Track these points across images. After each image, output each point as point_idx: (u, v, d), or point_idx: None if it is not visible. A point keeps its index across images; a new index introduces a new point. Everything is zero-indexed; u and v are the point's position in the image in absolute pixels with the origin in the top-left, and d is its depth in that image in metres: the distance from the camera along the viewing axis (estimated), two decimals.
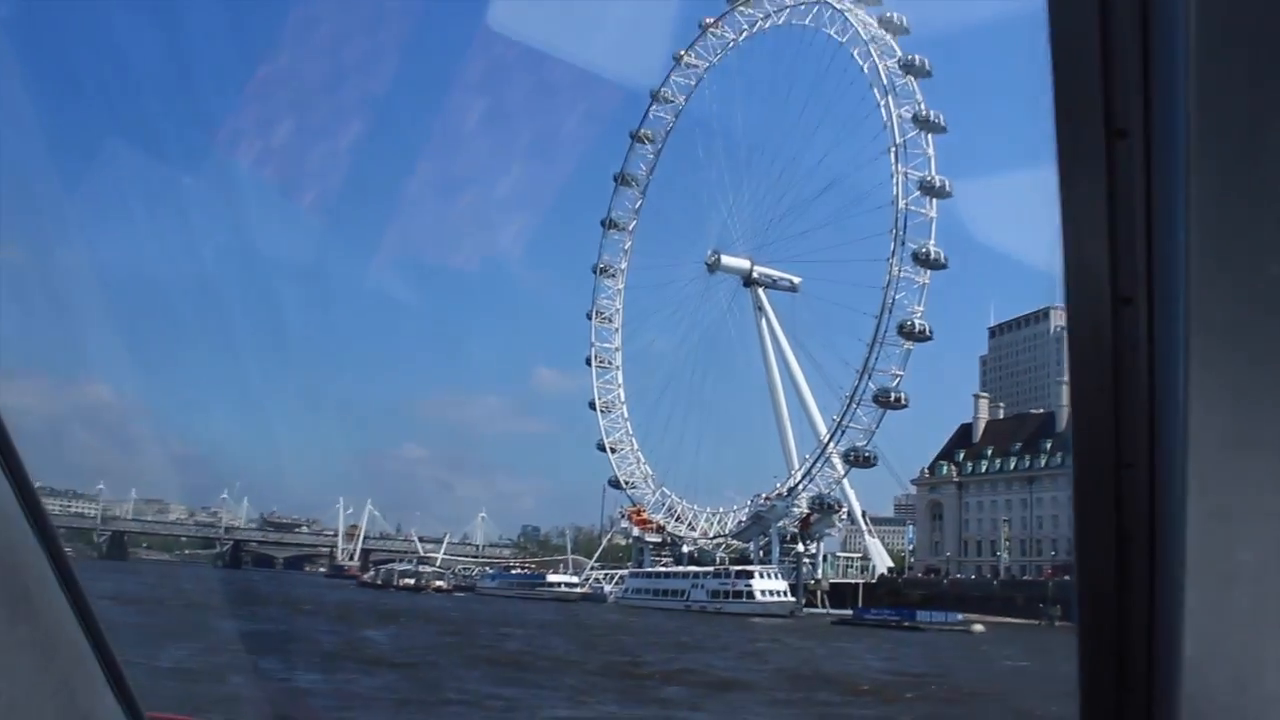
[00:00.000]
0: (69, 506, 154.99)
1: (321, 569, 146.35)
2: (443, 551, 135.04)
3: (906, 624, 75.12)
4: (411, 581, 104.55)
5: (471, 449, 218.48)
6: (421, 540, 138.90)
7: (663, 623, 67.83)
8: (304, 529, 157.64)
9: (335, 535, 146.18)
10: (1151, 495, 1.77)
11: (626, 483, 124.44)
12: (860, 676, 34.37)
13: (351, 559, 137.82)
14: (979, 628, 74.37)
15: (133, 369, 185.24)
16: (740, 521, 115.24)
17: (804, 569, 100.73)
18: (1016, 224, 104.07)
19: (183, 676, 19.24)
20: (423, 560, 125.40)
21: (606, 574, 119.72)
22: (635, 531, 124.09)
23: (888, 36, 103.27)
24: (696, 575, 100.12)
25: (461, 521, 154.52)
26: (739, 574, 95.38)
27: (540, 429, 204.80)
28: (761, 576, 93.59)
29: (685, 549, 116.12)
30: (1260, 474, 1.65)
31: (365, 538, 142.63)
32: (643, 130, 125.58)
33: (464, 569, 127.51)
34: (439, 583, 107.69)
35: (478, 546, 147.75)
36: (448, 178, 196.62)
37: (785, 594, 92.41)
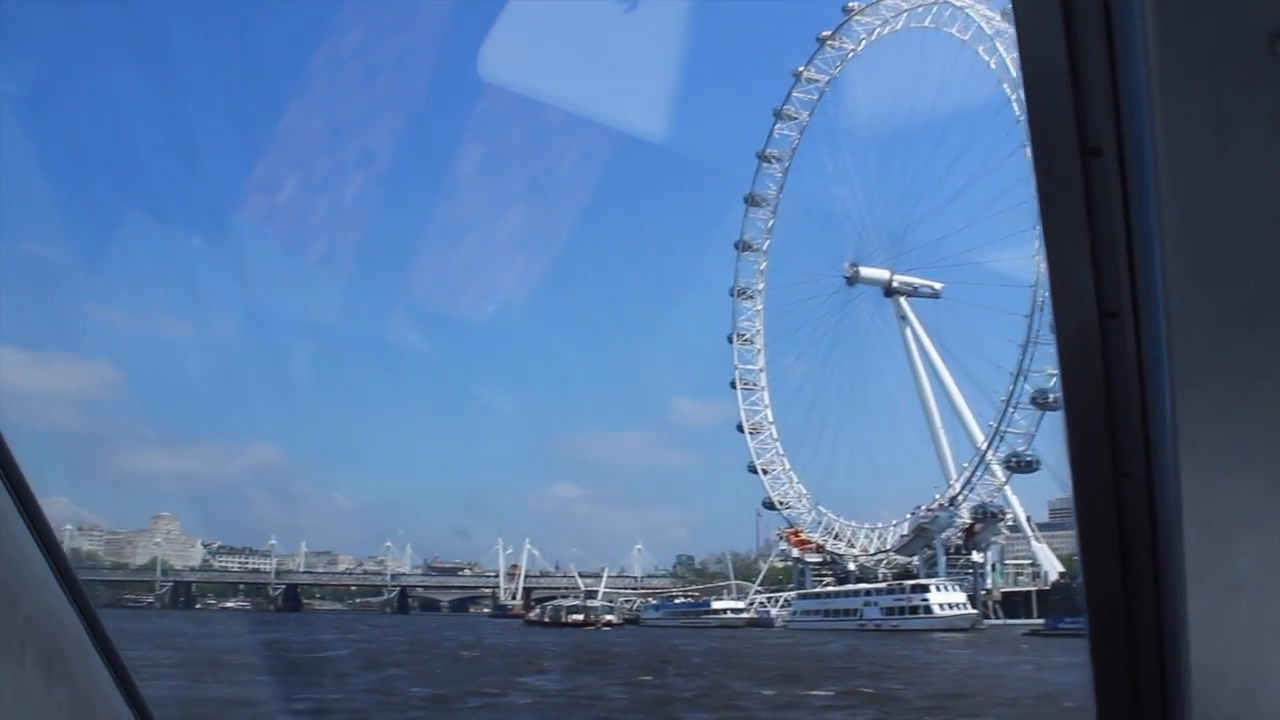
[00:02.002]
0: (245, 563, 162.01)
1: (485, 609, 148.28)
2: (603, 585, 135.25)
3: None
4: (580, 617, 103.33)
5: (620, 484, 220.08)
6: (581, 575, 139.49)
7: (857, 645, 66.01)
8: (466, 571, 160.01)
9: (496, 576, 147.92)
10: (1150, 503, 1.80)
11: (781, 503, 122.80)
12: None
13: (514, 598, 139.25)
14: None
15: (291, 429, 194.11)
16: (902, 536, 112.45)
17: (978, 580, 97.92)
18: None
19: None
20: (589, 595, 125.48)
21: (769, 597, 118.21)
22: (794, 553, 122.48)
23: (1012, 30, 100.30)
24: (868, 593, 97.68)
25: (616, 555, 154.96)
26: (914, 588, 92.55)
27: (685, 460, 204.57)
28: (939, 590, 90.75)
29: (850, 566, 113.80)
30: (1251, 483, 1.67)
31: (526, 576, 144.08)
32: (768, 150, 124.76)
33: (626, 601, 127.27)
34: (609, 617, 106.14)
35: (636, 578, 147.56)
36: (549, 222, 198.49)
37: (965, 606, 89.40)
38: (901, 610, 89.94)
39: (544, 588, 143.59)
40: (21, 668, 1.84)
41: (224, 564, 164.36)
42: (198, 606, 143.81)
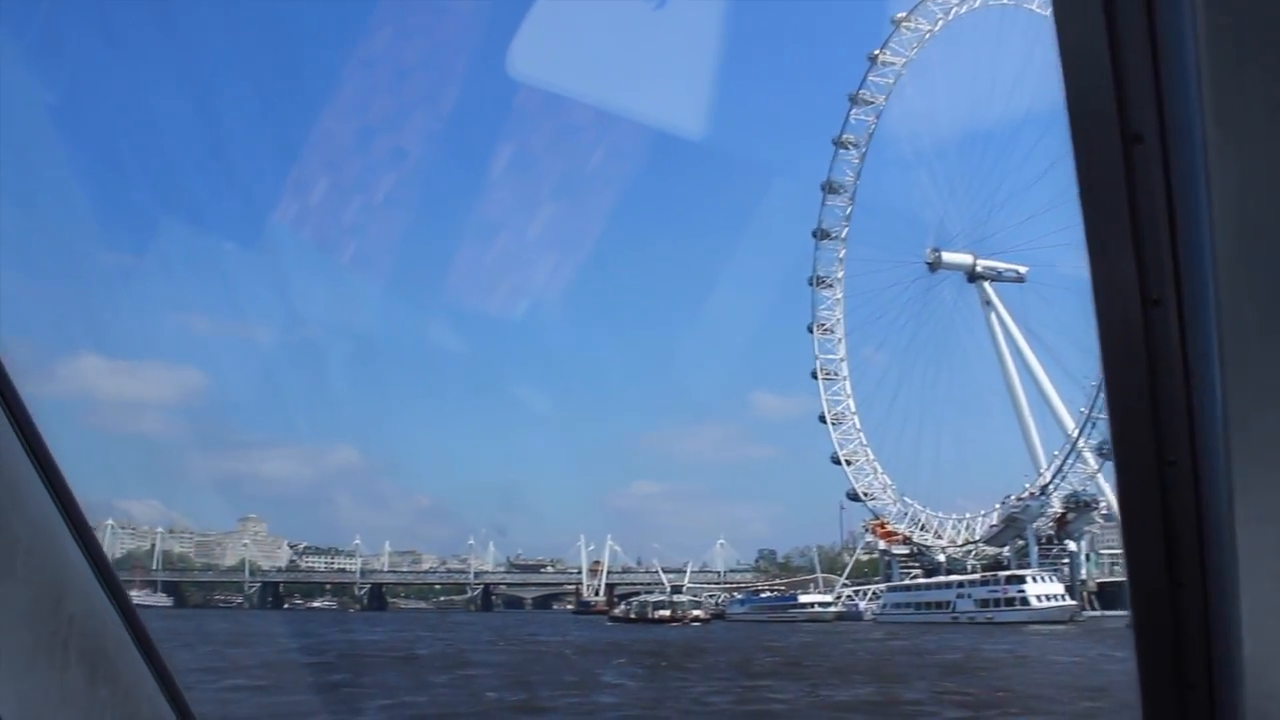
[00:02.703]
0: (331, 563, 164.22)
1: (569, 606, 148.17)
2: (687, 580, 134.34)
3: None
4: (667, 613, 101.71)
5: (700, 479, 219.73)
6: (663, 571, 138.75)
7: (954, 639, 64.00)
8: (548, 569, 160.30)
9: (579, 572, 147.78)
10: (1197, 492, 1.78)
11: (865, 494, 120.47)
12: None
13: (597, 594, 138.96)
14: None
15: (372, 430, 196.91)
16: (991, 526, 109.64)
17: (1074, 570, 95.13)
18: None
19: None
20: (675, 590, 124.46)
21: (856, 590, 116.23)
22: (880, 545, 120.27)
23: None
24: (960, 584, 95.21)
25: (697, 550, 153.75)
26: (1009, 579, 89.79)
27: (765, 454, 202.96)
28: (1035, 581, 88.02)
29: (938, 557, 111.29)
30: None
31: (608, 572, 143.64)
32: (845, 135, 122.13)
33: (710, 595, 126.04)
34: (696, 612, 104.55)
35: (719, 573, 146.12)
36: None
37: (1063, 598, 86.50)
38: (997, 602, 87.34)
39: (626, 584, 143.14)
40: (65, 668, 1.89)
41: (310, 564, 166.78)
42: (285, 606, 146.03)
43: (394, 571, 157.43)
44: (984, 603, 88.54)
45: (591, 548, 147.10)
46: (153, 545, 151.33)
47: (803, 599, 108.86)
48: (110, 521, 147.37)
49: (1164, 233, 1.68)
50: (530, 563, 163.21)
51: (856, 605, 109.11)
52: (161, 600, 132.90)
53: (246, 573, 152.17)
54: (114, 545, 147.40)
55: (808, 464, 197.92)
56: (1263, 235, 1.54)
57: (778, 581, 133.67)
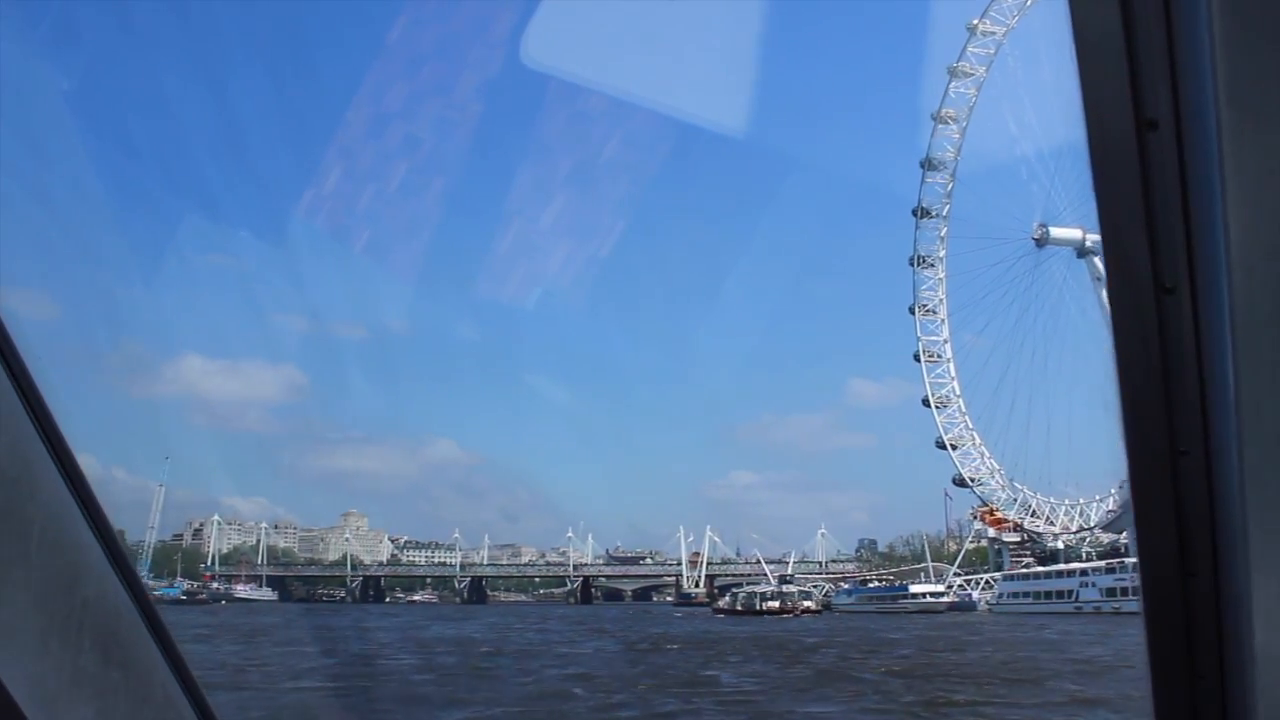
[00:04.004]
0: (432, 557, 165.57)
1: (668, 598, 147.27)
2: (790, 570, 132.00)
3: None
4: (776, 604, 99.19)
5: (796, 469, 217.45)
6: (766, 562, 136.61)
7: (1083, 629, 60.79)
8: (647, 560, 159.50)
9: (678, 564, 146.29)
10: (1209, 482, 1.78)
11: (972, 479, 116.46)
12: None
13: (697, 585, 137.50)
14: None
15: (466, 425, 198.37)
16: (1108, 511, 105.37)
17: None
18: None
19: None
20: (783, 580, 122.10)
21: (967, 579, 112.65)
22: (990, 532, 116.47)
23: None
24: (1084, 572, 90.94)
25: (795, 540, 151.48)
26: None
27: (863, 442, 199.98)
28: None
29: (1060, 545, 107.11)
30: None
31: (707, 563, 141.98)
32: (944, 110, 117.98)
33: (814, 586, 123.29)
34: (807, 603, 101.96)
35: (820, 563, 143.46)
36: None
37: None
38: (1124, 591, 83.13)
39: (726, 575, 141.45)
40: (79, 652, 1.92)
41: (411, 558, 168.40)
42: (387, 600, 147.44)
43: (494, 565, 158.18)
44: (1110, 592, 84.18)
45: (690, 539, 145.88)
46: (258, 540, 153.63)
47: (913, 589, 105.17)
48: (216, 517, 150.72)
49: (1178, 219, 1.66)
50: (629, 555, 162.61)
51: (969, 595, 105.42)
52: (266, 594, 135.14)
53: (348, 567, 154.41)
54: (220, 541, 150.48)
55: (906, 452, 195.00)
56: (1279, 222, 1.53)
57: (884, 571, 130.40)
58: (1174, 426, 1.77)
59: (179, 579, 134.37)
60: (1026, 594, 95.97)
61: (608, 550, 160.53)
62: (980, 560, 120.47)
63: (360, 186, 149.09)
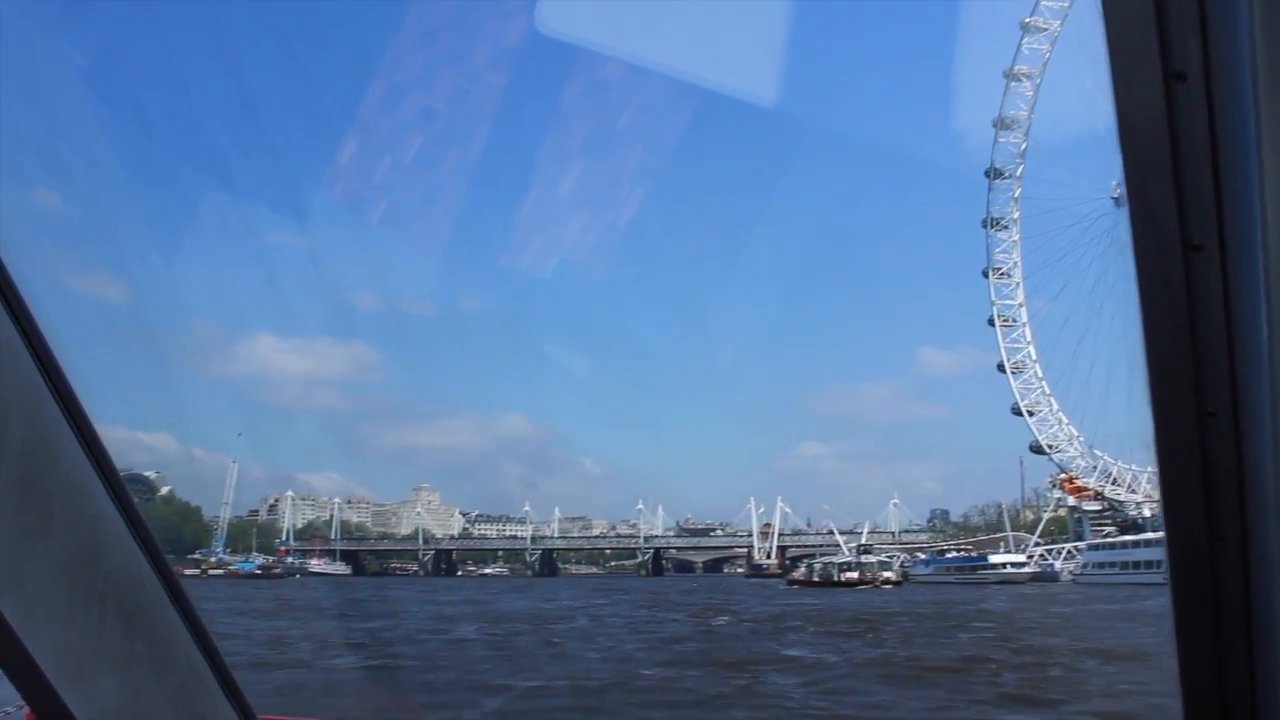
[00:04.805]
0: (503, 530, 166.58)
1: (739, 569, 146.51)
2: (863, 541, 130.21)
3: None
4: (854, 575, 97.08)
5: (866, 439, 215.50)
6: (839, 532, 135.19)
7: None
8: (717, 532, 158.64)
9: (749, 535, 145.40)
10: (1238, 445, 1.75)
11: (1050, 446, 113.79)
12: None
13: (769, 557, 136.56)
14: None
15: (540, 398, 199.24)
16: None
17: None
18: None
19: None
20: (864, 550, 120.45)
21: (1047, 549, 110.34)
22: (1070, 500, 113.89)
23: None
24: None
25: (866, 511, 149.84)
26: None
27: (934, 412, 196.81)
28: None
29: (1147, 513, 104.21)
30: None
31: (779, 535, 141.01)
32: (1016, 67, 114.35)
33: (890, 556, 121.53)
34: (887, 574, 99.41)
35: (893, 533, 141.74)
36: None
37: None
38: None
39: (797, 546, 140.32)
40: (102, 622, 1.95)
41: (482, 531, 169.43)
42: (459, 573, 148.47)
43: (564, 537, 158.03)
44: None
45: (761, 510, 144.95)
46: (331, 515, 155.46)
47: (993, 559, 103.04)
48: (290, 493, 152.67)
49: (1207, 175, 1.60)
50: (699, 526, 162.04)
51: (1052, 565, 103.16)
52: (340, 569, 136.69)
53: (420, 540, 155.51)
54: (294, 516, 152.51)
55: (977, 420, 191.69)
56: None
57: (963, 541, 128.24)
58: (1201, 388, 1.72)
59: (254, 554, 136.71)
60: (1113, 564, 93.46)
61: (678, 522, 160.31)
62: (1059, 530, 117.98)
63: (423, 173, 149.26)
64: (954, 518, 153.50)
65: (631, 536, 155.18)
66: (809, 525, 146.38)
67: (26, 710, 1.94)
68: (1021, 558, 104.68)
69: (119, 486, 1.99)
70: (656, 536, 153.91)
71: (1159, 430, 1.77)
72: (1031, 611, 54.81)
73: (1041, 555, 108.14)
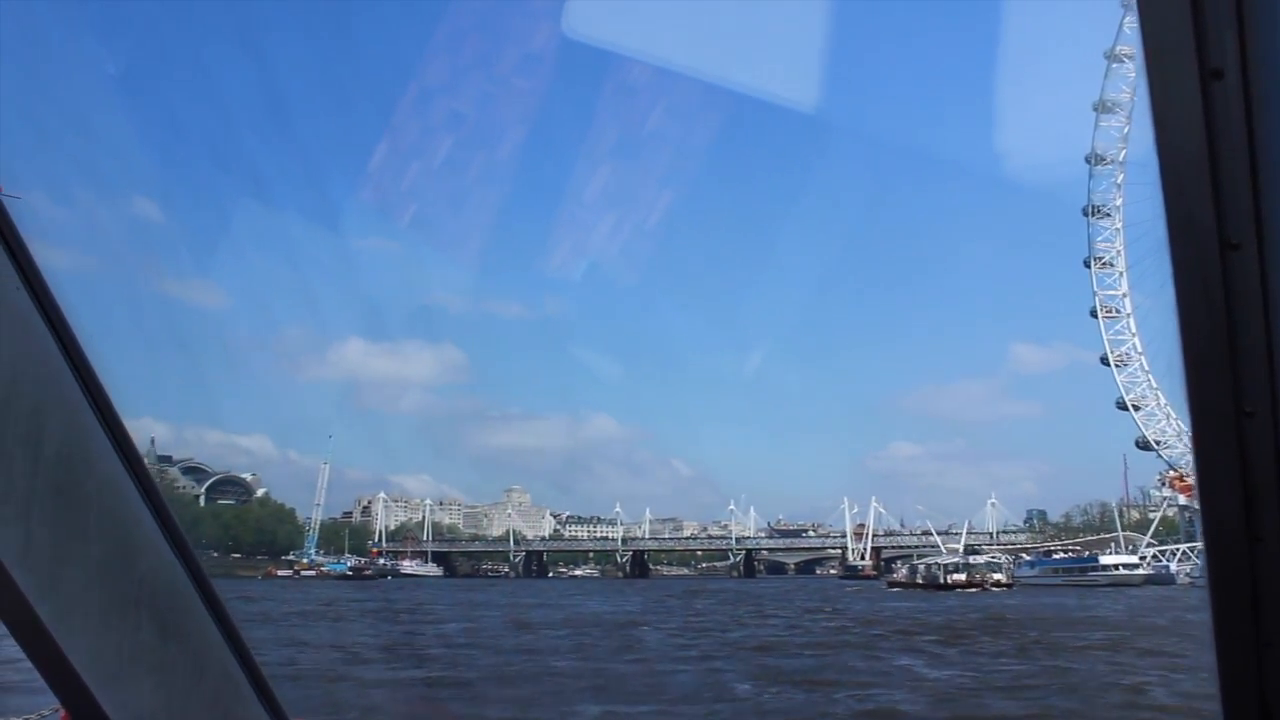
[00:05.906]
0: (593, 532, 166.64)
1: (832, 570, 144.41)
2: (963, 542, 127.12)
3: None
4: (962, 577, 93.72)
5: (959, 438, 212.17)
6: (937, 534, 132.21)
7: None
8: (809, 533, 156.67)
9: (842, 536, 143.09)
10: (1277, 444, 1.74)
11: (1157, 442, 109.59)
12: None
13: (863, 558, 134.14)
14: None
15: (629, 400, 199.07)
16: None
17: None
18: None
19: None
20: (970, 551, 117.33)
21: (1160, 550, 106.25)
22: (1180, 499, 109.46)
23: None
24: None
25: (960, 511, 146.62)
26: None
27: (1028, 410, 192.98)
28: None
29: None
30: None
31: (872, 535, 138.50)
32: (1118, 48, 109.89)
33: (993, 558, 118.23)
34: (997, 576, 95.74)
35: (990, 534, 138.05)
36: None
37: None
38: None
39: (892, 546, 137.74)
40: (137, 627, 1.99)
41: (573, 533, 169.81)
42: (550, 575, 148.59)
43: (655, 539, 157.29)
44: None
45: (855, 510, 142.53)
46: (423, 517, 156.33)
47: (1105, 560, 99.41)
48: (382, 495, 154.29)
49: (1244, 173, 1.58)
50: (791, 527, 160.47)
51: (1167, 567, 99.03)
52: (433, 570, 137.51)
53: (511, 542, 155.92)
54: (387, 518, 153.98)
55: (1074, 418, 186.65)
56: None
57: (1068, 541, 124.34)
58: (1240, 388, 1.70)
59: (346, 555, 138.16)
60: None
61: (769, 523, 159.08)
62: (1167, 530, 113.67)
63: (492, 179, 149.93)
64: (1052, 518, 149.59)
65: (723, 538, 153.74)
66: (902, 526, 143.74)
67: (63, 712, 1.98)
68: (1134, 559, 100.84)
69: (153, 492, 2.02)
70: (748, 538, 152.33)
71: (1197, 430, 1.75)
72: (1157, 618, 52.02)
73: (1154, 556, 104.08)
